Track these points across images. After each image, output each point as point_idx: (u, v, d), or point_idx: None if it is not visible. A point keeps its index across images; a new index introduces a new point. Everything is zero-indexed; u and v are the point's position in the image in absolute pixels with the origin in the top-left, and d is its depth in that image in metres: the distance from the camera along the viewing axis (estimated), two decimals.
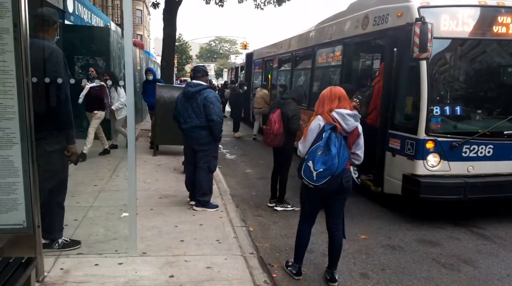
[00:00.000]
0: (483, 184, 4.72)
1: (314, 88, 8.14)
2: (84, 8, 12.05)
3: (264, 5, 13.41)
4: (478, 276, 3.62)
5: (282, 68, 10.95)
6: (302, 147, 3.20)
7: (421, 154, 4.71)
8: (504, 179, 4.84)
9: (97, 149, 7.64)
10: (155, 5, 12.83)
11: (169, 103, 6.98)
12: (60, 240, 3.35)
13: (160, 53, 13.03)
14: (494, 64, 5.32)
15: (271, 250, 3.99)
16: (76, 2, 10.92)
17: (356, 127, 3.12)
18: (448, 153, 4.72)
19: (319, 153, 2.96)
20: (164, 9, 11.14)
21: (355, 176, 5.65)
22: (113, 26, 16.23)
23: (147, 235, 3.81)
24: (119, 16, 24.10)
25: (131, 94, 3.30)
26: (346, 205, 5.26)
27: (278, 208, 5.25)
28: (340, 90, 3.22)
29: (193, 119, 4.69)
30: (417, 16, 4.52)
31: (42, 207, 2.87)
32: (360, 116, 3.24)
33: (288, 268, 3.48)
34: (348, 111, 3.10)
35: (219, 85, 24.26)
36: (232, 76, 20.97)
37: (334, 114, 3.09)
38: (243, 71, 16.28)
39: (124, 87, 3.31)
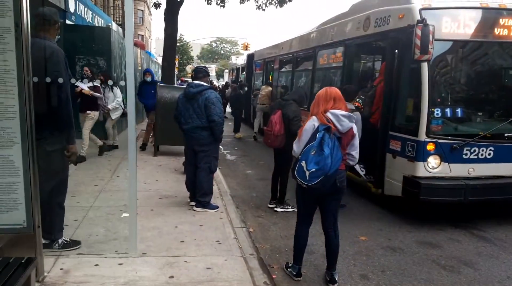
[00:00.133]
0: (483, 186, 4.72)
1: (315, 89, 8.13)
2: (86, 8, 12.07)
3: (266, 6, 13.42)
4: (478, 278, 3.62)
5: (283, 69, 10.95)
6: (296, 147, 3.23)
7: (422, 156, 4.70)
8: (504, 181, 4.83)
9: (97, 150, 7.67)
10: (157, 6, 12.84)
11: (170, 104, 6.99)
12: (60, 240, 3.35)
13: (161, 53, 13.02)
14: (495, 66, 5.31)
15: (271, 251, 3.99)
16: (77, 2, 10.94)
17: (351, 128, 3.14)
18: (449, 155, 4.72)
19: (312, 153, 2.98)
20: (165, 10, 11.15)
21: (362, 172, 5.64)
22: (114, 26, 16.25)
23: (147, 236, 3.81)
24: (120, 16, 24.13)
25: (132, 94, 3.31)
26: (347, 207, 5.35)
27: (278, 209, 5.25)
28: (335, 90, 3.24)
29: (194, 120, 4.69)
30: (419, 18, 4.52)
31: (42, 207, 2.87)
32: (355, 117, 3.25)
33: (288, 270, 3.47)
34: (343, 112, 3.12)
35: (220, 86, 24.28)
36: (233, 77, 20.99)
37: (328, 114, 3.10)
38: (244, 72, 16.28)
39: (125, 87, 3.30)
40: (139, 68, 12.97)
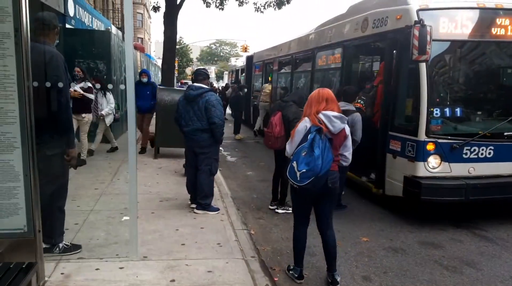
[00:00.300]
0: (484, 185, 4.71)
1: (314, 90, 8.13)
2: (85, 12, 12.10)
3: (264, 8, 13.46)
4: (481, 278, 3.61)
5: (283, 70, 10.97)
6: (289, 147, 3.27)
7: (422, 155, 4.70)
8: (505, 180, 4.83)
9: (97, 153, 7.66)
10: (156, 9, 12.88)
11: (170, 106, 6.99)
12: (60, 245, 3.35)
13: (161, 56, 13.06)
14: (493, 65, 5.32)
15: (272, 253, 3.99)
16: (77, 6, 10.97)
17: (343, 129, 3.17)
18: (449, 154, 4.72)
19: (303, 154, 3.00)
20: (164, 13, 11.18)
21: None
22: (114, 29, 16.31)
23: (148, 239, 3.81)
24: (120, 20, 24.19)
25: (132, 97, 3.30)
26: (348, 208, 5.35)
27: (279, 211, 5.25)
28: (328, 92, 3.26)
29: (195, 122, 4.70)
30: (416, 18, 4.52)
31: (43, 212, 2.86)
32: (354, 118, 3.27)
33: (290, 272, 3.47)
34: (335, 113, 3.14)
35: (220, 88, 24.33)
36: (233, 79, 21.03)
37: (320, 116, 3.12)
38: (244, 74, 16.31)
39: (125, 90, 3.30)
40: (139, 71, 12.98)
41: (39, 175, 2.76)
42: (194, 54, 66.99)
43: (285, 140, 4.87)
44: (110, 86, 7.45)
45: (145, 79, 8.24)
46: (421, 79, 4.62)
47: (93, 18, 13.18)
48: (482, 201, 4.90)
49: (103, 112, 7.49)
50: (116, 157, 7.75)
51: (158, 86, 8.47)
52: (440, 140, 4.70)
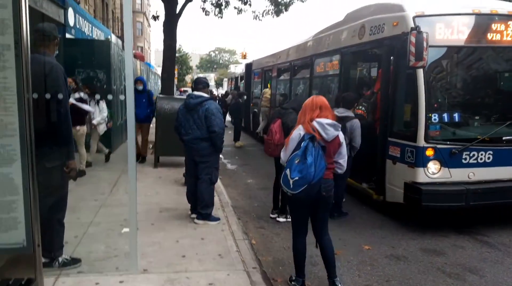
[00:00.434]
0: (484, 190, 4.70)
1: (317, 95, 8.15)
2: (85, 21, 12.19)
3: (263, 16, 13.54)
4: (484, 285, 3.59)
5: (281, 77, 11.01)
6: (283, 155, 3.29)
7: (421, 161, 4.70)
8: (505, 185, 4.83)
9: (96, 163, 7.65)
10: (155, 18, 12.94)
11: (169, 115, 7.00)
12: (60, 259, 3.32)
13: (161, 64, 13.10)
14: (490, 70, 5.35)
15: (274, 263, 3.96)
16: (77, 15, 11.06)
17: (337, 136, 3.18)
18: (448, 160, 4.72)
19: (296, 161, 3.01)
20: (164, 22, 11.23)
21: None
22: (113, 38, 16.40)
23: (148, 251, 3.78)
24: (119, 28, 24.33)
25: (131, 106, 3.29)
26: (349, 215, 5.33)
27: (280, 219, 5.22)
28: (321, 99, 3.27)
29: (195, 131, 4.70)
30: (412, 25, 4.56)
31: (42, 225, 2.82)
32: (340, 126, 3.28)
33: (292, 283, 3.44)
34: (328, 121, 3.15)
35: (219, 95, 24.41)
36: (232, 86, 21.11)
37: (314, 123, 3.14)
38: (243, 81, 16.37)
39: (125, 100, 3.31)
40: None
41: (38, 188, 2.75)
42: (194, 62, 67.29)
43: None
44: (110, 96, 7.43)
45: (140, 87, 8.04)
46: (418, 85, 4.63)
47: (93, 27, 13.29)
48: (483, 206, 4.88)
49: (94, 121, 7.26)
50: (115, 167, 7.72)
51: (158, 95, 8.47)
52: (439, 146, 4.70)
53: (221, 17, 13.17)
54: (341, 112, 5.22)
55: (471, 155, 4.75)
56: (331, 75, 7.40)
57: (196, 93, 4.84)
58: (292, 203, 3.29)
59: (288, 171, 3.05)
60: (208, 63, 77.98)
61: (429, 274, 3.77)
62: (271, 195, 5.48)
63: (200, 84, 4.93)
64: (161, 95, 9.25)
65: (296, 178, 2.96)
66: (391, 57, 5.22)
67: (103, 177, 6.92)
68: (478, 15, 4.82)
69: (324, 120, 3.15)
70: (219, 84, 53.57)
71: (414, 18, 4.70)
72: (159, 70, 22.61)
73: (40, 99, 3.06)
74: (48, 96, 3.14)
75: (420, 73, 4.60)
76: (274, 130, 4.88)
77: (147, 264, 3.50)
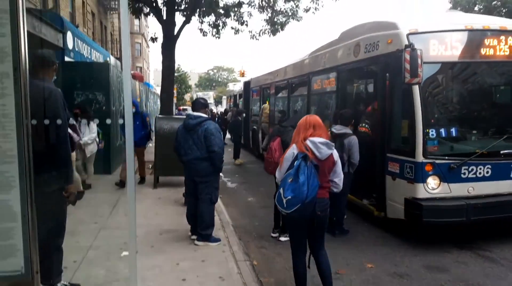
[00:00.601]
0: (484, 205, 4.69)
1: (310, 114, 8.20)
2: (84, 44, 12.33)
3: (259, 35, 13.76)
4: None
5: (279, 95, 11.11)
6: (278, 174, 3.32)
7: (421, 177, 4.70)
8: (505, 199, 4.82)
9: (96, 185, 7.62)
10: (154, 40, 13.13)
11: (169, 135, 7.02)
12: (59, 285, 3.28)
13: (160, 83, 13.23)
14: (485, 85, 5.40)
15: (276, 285, 3.91)
16: (75, 38, 11.20)
17: (331, 155, 3.19)
18: (447, 175, 4.72)
19: (289, 180, 3.04)
20: (162, 44, 11.40)
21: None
22: (112, 60, 16.58)
23: (148, 275, 3.74)
24: (118, 50, 24.65)
25: (130, 128, 3.31)
26: (351, 232, 5.29)
27: (282, 239, 5.18)
28: (315, 118, 3.31)
29: (194, 151, 4.71)
30: (406, 42, 4.63)
31: (40, 251, 2.82)
32: (334, 144, 3.30)
33: None
34: (321, 139, 3.18)
35: (219, 113, 24.57)
36: (231, 103, 21.29)
37: (307, 142, 3.17)
38: (242, 99, 16.50)
39: (123, 123, 3.33)
40: (138, 100, 13.13)
41: (36, 213, 2.74)
42: (193, 81, 67.86)
43: None
44: (108, 121, 7.39)
45: (132, 110, 8.03)
46: (414, 101, 4.68)
47: (92, 50, 13.43)
48: (484, 220, 4.85)
49: (81, 141, 6.96)
50: (115, 188, 7.69)
51: (157, 116, 8.51)
52: (438, 161, 4.71)
53: (219, 37, 13.37)
54: (338, 129, 5.26)
55: (470, 169, 4.75)
56: (328, 92, 7.48)
57: (195, 113, 4.88)
58: (288, 222, 3.30)
59: (281, 190, 3.07)
60: (207, 82, 78.70)
61: None
62: (272, 214, 5.45)
63: (199, 104, 4.98)
64: (160, 116, 9.30)
65: (289, 197, 2.97)
66: (387, 74, 5.29)
67: (103, 199, 6.88)
68: (470, 31, 4.91)
69: (317, 139, 3.18)
70: (218, 101, 53.92)
71: (408, 35, 4.78)
72: (158, 90, 22.80)
73: (39, 124, 3.08)
74: (47, 121, 3.16)
75: (416, 89, 4.65)
76: (273, 148, 4.90)
77: None
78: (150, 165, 9.29)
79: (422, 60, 4.37)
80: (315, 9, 12.62)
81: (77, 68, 9.51)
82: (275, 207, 5.37)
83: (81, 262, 4.04)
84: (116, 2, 21.68)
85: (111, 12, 23.55)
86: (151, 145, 12.32)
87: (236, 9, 13.12)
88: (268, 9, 13.34)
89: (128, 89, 3.29)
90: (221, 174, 7.94)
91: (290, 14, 13.36)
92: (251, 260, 4.35)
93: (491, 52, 4.87)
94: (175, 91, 23.25)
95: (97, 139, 7.55)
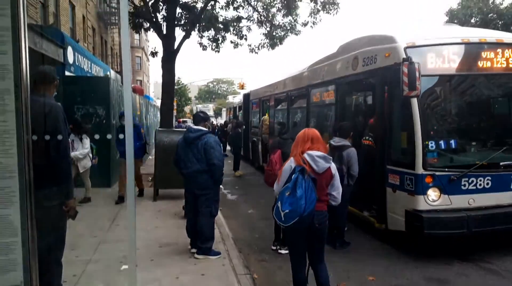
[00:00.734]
0: (485, 216, 4.69)
1: (309, 126, 8.25)
2: (84, 59, 12.45)
3: (258, 49, 13.91)
4: None
5: (279, 107, 11.18)
6: (276, 187, 3.33)
7: (421, 189, 4.71)
8: (505, 211, 4.81)
9: (95, 199, 7.60)
10: (154, 54, 13.27)
11: (169, 147, 7.03)
12: None
13: (160, 96, 13.31)
14: (483, 97, 5.45)
15: None
16: (76, 53, 11.31)
17: (329, 168, 3.20)
18: (448, 186, 4.72)
19: (287, 194, 3.05)
20: (162, 58, 11.51)
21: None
22: (112, 74, 16.72)
23: None
24: (118, 64, 24.85)
25: (130, 142, 3.33)
26: (352, 245, 5.26)
27: (282, 251, 5.15)
28: (313, 132, 3.34)
29: (194, 164, 4.73)
30: (404, 56, 4.69)
31: (40, 265, 2.81)
32: (331, 158, 3.32)
33: None
34: (318, 153, 3.19)
35: (219, 125, 24.67)
36: (231, 115, 21.41)
37: (305, 155, 3.19)
38: (241, 111, 16.59)
39: (124, 137, 3.34)
40: (138, 113, 13.20)
41: (36, 228, 2.74)
42: (193, 93, 68.23)
43: None
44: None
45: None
46: (413, 113, 4.71)
47: (92, 64, 13.55)
48: (485, 232, 4.84)
49: (72, 154, 6.79)
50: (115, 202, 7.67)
51: (157, 129, 8.53)
52: (438, 173, 4.72)
53: (218, 51, 13.52)
54: (337, 141, 5.29)
55: (470, 181, 4.76)
56: (327, 105, 7.53)
57: (195, 127, 4.93)
58: (287, 235, 3.30)
59: (279, 204, 3.08)
60: (207, 94, 79.12)
61: None
62: (272, 226, 5.42)
63: (199, 118, 5.02)
64: (160, 129, 9.33)
65: (287, 210, 2.98)
66: (385, 87, 5.33)
67: (102, 212, 6.86)
68: (467, 44, 4.98)
69: (315, 152, 3.19)
70: (217, 113, 54.15)
71: (405, 49, 4.84)
72: (158, 102, 22.91)
73: (39, 140, 3.10)
74: (47, 137, 3.18)
75: (415, 102, 4.69)
76: (274, 160, 4.93)
77: None
78: (150, 178, 9.28)
79: (420, 73, 4.42)
80: (313, 23, 12.78)
81: (78, 82, 9.59)
82: (275, 219, 5.37)
83: (81, 276, 4.02)
84: (117, 18, 21.96)
85: (111, 27, 23.82)
86: (151, 157, 12.32)
87: (235, 23, 13.31)
88: (267, 24, 13.53)
89: (129, 103, 3.33)
90: (221, 186, 7.94)
91: (288, 28, 13.54)
92: (251, 274, 4.32)
93: (488, 64, 4.93)
94: (174, 104, 23.36)
95: (90, 155, 7.44)
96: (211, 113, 43.66)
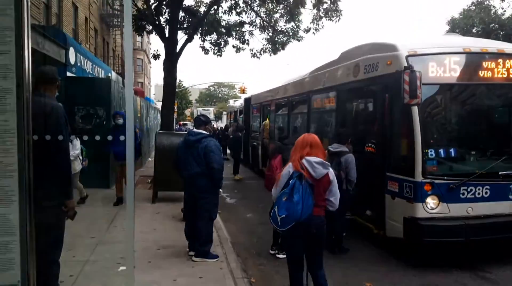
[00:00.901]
0: (483, 225, 4.69)
1: (310, 132, 8.25)
2: (86, 60, 12.49)
3: (260, 54, 13.96)
4: None
5: (280, 112, 11.20)
6: (274, 192, 3.34)
7: (420, 196, 4.71)
8: (503, 220, 4.81)
9: (93, 199, 7.59)
10: (156, 57, 13.32)
11: (169, 150, 7.04)
12: None
13: (161, 99, 13.34)
14: (484, 106, 5.46)
15: None
16: (78, 54, 11.35)
17: (327, 174, 3.21)
18: (446, 195, 4.73)
19: (284, 199, 3.07)
20: (164, 61, 11.54)
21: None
22: (114, 75, 16.77)
23: None
24: (119, 65, 24.92)
25: (131, 144, 3.33)
26: (350, 251, 5.26)
27: (280, 256, 5.14)
28: (312, 137, 3.35)
29: (194, 167, 4.74)
30: (406, 64, 4.71)
31: (37, 264, 2.81)
32: (329, 164, 3.33)
33: None
34: (317, 159, 3.20)
35: (219, 129, 24.72)
36: (232, 119, 21.46)
37: (303, 161, 3.20)
38: (242, 115, 16.62)
39: (125, 139, 3.35)
40: (139, 115, 13.21)
41: (35, 228, 2.74)
42: (193, 96, 68.37)
43: None
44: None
45: (120, 121, 7.44)
46: (414, 121, 4.72)
47: (94, 65, 13.59)
48: (483, 241, 4.84)
49: None
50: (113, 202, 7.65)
51: (157, 131, 8.54)
52: (437, 181, 4.73)
53: (220, 55, 13.59)
54: (335, 147, 5.32)
55: (468, 190, 4.77)
56: (328, 111, 7.56)
57: (195, 130, 4.96)
58: (284, 240, 3.30)
59: (276, 209, 3.10)
60: (208, 97, 79.21)
61: None
62: (271, 230, 5.42)
63: (199, 122, 5.05)
64: (160, 131, 9.34)
65: (283, 215, 3.00)
66: (386, 95, 5.35)
67: (100, 213, 6.86)
68: (469, 53, 5.00)
69: (313, 158, 3.20)
70: (218, 117, 54.22)
71: (407, 57, 4.86)
72: (159, 105, 22.94)
73: (40, 140, 3.10)
74: (48, 137, 3.18)
75: (415, 110, 4.70)
76: (275, 165, 4.95)
77: None
78: (149, 180, 9.28)
79: (421, 82, 4.44)
80: (316, 29, 12.83)
81: (79, 83, 9.60)
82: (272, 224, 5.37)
83: (78, 277, 4.01)
84: (119, 20, 22.07)
85: (114, 29, 23.92)
86: (150, 159, 12.32)
87: (237, 28, 13.38)
88: (269, 29, 13.59)
89: (130, 106, 3.34)
90: (220, 190, 7.94)
91: (290, 34, 13.59)
92: (249, 277, 4.32)
93: (489, 74, 4.95)
94: (175, 106, 23.41)
95: (81, 157, 7.27)
96: (211, 116, 43.70)
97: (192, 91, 62.05)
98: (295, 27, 13.51)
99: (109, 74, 15.80)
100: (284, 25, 13.64)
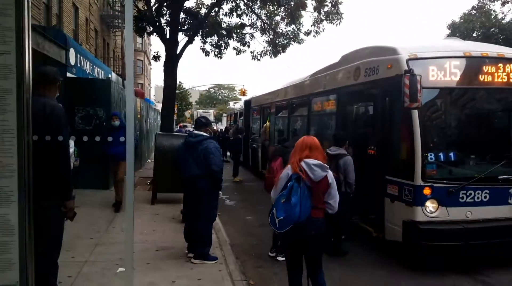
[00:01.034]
0: (482, 229, 4.69)
1: (310, 134, 8.26)
2: (86, 61, 12.49)
3: (261, 56, 13.98)
4: None
5: (280, 114, 11.21)
6: (273, 193, 3.35)
7: (419, 200, 4.71)
8: (502, 224, 4.81)
9: (92, 200, 7.59)
10: (156, 58, 13.33)
11: (169, 151, 7.04)
12: None
13: (161, 100, 13.35)
14: (483, 110, 5.48)
15: None
16: (78, 55, 11.36)
17: (325, 177, 3.20)
18: (446, 199, 4.73)
19: (282, 201, 3.07)
20: (164, 62, 11.55)
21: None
22: (114, 76, 16.78)
23: None
24: (120, 67, 24.95)
25: (131, 146, 3.33)
26: (350, 254, 5.25)
27: (280, 258, 5.13)
28: (311, 139, 3.35)
29: (194, 169, 4.74)
30: (406, 68, 4.71)
31: (36, 265, 2.80)
32: (328, 167, 3.33)
33: None
34: (315, 161, 3.20)
35: (219, 130, 24.77)
36: (232, 121, 21.50)
37: (302, 164, 3.20)
38: (242, 117, 16.63)
39: (125, 140, 3.35)
40: (138, 116, 13.21)
41: (34, 228, 2.73)
42: (194, 98, 68.42)
43: None
44: (109, 138, 7.24)
45: (116, 123, 7.31)
46: (414, 125, 4.73)
47: (94, 66, 13.60)
48: (481, 245, 4.83)
49: None
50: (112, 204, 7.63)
51: (157, 133, 8.54)
52: (436, 184, 4.73)
53: (221, 58, 13.59)
54: (333, 150, 5.32)
55: (468, 194, 4.77)
56: (328, 114, 7.57)
57: (196, 132, 4.97)
58: (283, 242, 3.30)
59: (274, 211, 3.10)
60: (208, 99, 79.33)
61: None
62: (270, 233, 5.41)
63: (200, 124, 5.05)
64: (160, 133, 9.34)
65: (281, 217, 3.01)
66: (386, 98, 5.36)
67: (99, 214, 6.84)
68: (469, 57, 5.01)
69: (312, 161, 3.20)
70: (218, 119, 54.26)
71: (407, 61, 4.87)
72: (159, 106, 22.96)
73: (40, 140, 3.10)
74: (48, 138, 3.18)
75: (415, 113, 4.70)
76: (275, 168, 4.96)
77: None
78: (149, 181, 9.28)
79: (421, 85, 4.44)
80: (316, 32, 12.85)
81: (79, 84, 9.60)
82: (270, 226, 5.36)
83: (76, 278, 4.00)
84: (119, 21, 22.10)
85: (114, 30, 23.95)
86: (150, 160, 12.31)
87: (238, 30, 13.39)
88: (270, 32, 13.62)
89: (131, 107, 3.35)
90: (220, 192, 7.94)
91: (291, 36, 13.61)
92: (247, 280, 4.32)
93: (489, 78, 4.96)
94: (175, 108, 23.43)
95: (73, 156, 7.34)
96: (211, 118, 43.76)
97: (192, 92, 62.08)
98: (296, 29, 13.53)
99: (109, 75, 15.81)
100: (285, 28, 13.69)
